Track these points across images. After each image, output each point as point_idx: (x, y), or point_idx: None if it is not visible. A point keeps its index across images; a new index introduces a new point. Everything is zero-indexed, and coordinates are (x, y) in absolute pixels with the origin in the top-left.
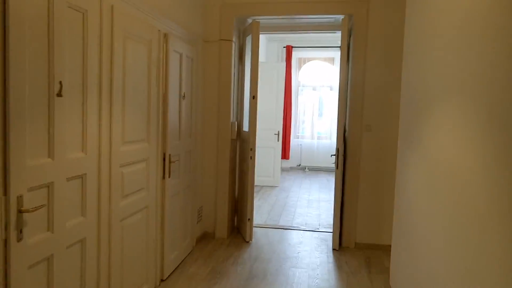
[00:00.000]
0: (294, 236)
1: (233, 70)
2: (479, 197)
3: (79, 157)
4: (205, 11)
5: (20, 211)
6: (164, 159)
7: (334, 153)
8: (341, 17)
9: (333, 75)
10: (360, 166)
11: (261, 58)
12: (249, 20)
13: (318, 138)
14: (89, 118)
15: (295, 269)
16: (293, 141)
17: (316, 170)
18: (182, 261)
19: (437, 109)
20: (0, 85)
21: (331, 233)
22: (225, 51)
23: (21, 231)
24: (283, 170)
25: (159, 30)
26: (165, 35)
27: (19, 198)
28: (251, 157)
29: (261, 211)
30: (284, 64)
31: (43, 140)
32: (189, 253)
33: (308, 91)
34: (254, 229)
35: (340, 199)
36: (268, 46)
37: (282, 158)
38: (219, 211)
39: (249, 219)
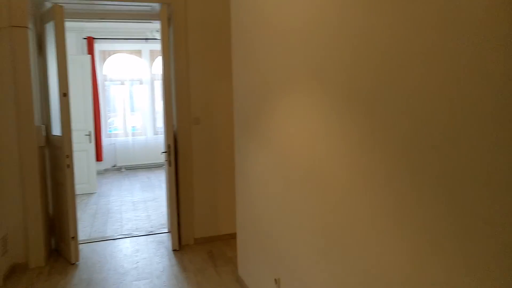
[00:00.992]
0: (128, 245)
1: (33, 64)
2: (329, 182)
3: None
4: None
5: None
6: None
7: (164, 150)
8: (157, 5)
9: (142, 69)
10: (193, 160)
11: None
12: (48, 4)
13: (133, 134)
14: None
15: (138, 282)
16: (105, 140)
17: (134, 168)
18: None
19: (283, 96)
20: None
21: (168, 234)
22: (19, 40)
23: None
24: (97, 173)
25: None
26: None
27: None
28: (68, 165)
29: (82, 224)
30: (90, 57)
31: None
32: None
33: (116, 86)
34: (79, 247)
35: (175, 197)
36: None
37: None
38: (31, 236)
39: (73, 237)
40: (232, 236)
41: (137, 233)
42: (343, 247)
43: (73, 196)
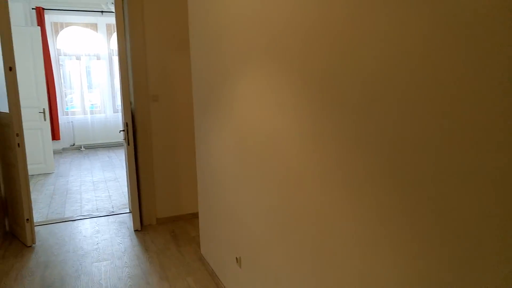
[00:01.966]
0: (88, 226)
1: None
2: (284, 155)
3: None
4: None
5: None
6: None
7: (122, 129)
8: None
9: (99, 43)
10: (153, 138)
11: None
12: None
13: (92, 112)
14: None
15: (98, 263)
16: (62, 118)
17: (94, 147)
18: None
19: (241, 75)
20: None
21: (129, 214)
22: None
23: None
24: (55, 152)
25: None
26: None
27: None
28: (18, 144)
29: (38, 205)
30: (39, 29)
31: None
32: None
33: (71, 61)
34: (35, 229)
35: (135, 177)
36: (11, 6)
37: (52, 140)
38: None
39: (27, 219)
40: (195, 216)
41: (97, 213)
42: (297, 220)
43: (26, 176)
